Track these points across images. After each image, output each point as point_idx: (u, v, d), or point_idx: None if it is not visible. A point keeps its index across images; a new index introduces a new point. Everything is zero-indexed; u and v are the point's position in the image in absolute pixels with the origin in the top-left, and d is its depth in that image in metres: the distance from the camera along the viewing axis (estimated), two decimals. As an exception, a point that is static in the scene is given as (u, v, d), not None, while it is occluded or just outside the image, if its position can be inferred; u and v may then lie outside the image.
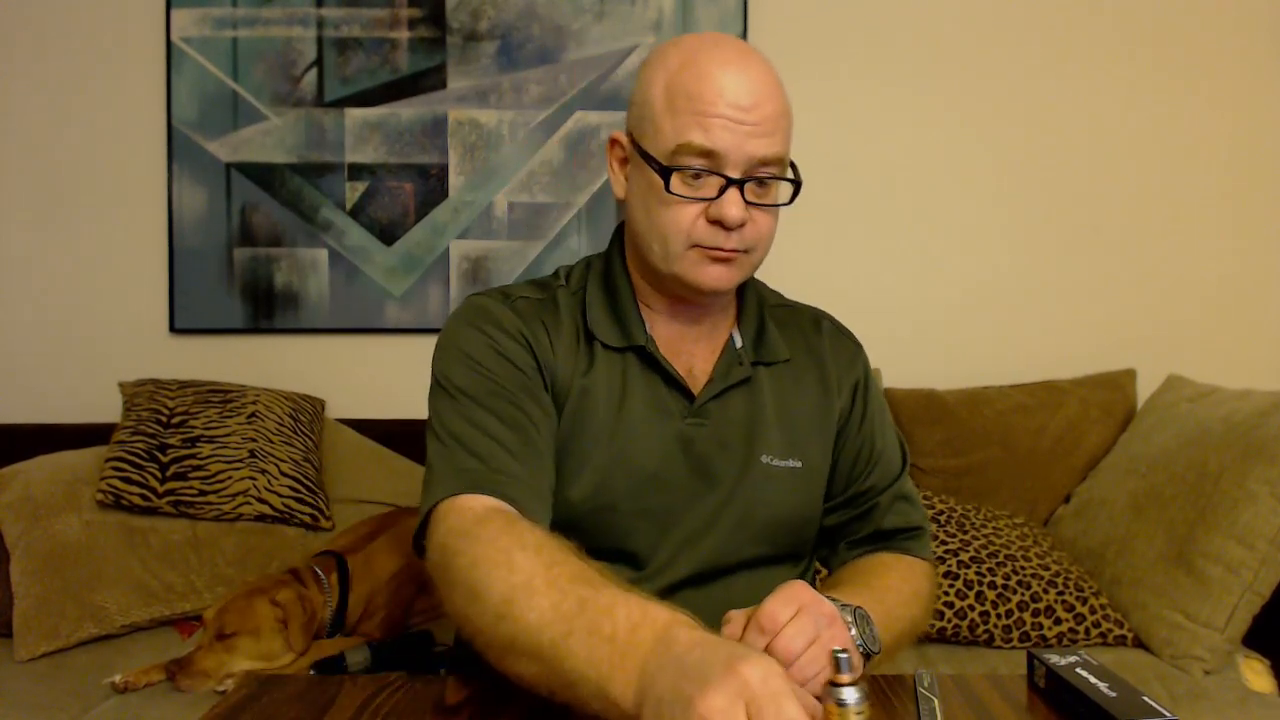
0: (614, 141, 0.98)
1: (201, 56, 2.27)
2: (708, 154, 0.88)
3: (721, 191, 0.88)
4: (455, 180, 2.30)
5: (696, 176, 0.89)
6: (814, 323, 1.09)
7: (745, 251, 0.92)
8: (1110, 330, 2.32)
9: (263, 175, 2.28)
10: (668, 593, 0.96)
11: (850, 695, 0.60)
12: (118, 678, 1.56)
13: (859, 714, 0.60)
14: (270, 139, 2.28)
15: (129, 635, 1.80)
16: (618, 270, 1.01)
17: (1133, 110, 2.30)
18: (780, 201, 0.94)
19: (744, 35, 2.26)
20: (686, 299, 0.98)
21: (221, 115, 2.27)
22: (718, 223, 0.89)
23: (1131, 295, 2.32)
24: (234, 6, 2.26)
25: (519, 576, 0.72)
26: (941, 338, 2.33)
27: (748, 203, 0.89)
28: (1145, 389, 2.16)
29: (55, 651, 1.72)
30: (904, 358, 2.26)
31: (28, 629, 1.71)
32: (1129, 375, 2.20)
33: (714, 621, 0.91)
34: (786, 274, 2.55)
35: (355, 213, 2.29)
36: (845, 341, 1.10)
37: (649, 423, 0.96)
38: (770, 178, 0.90)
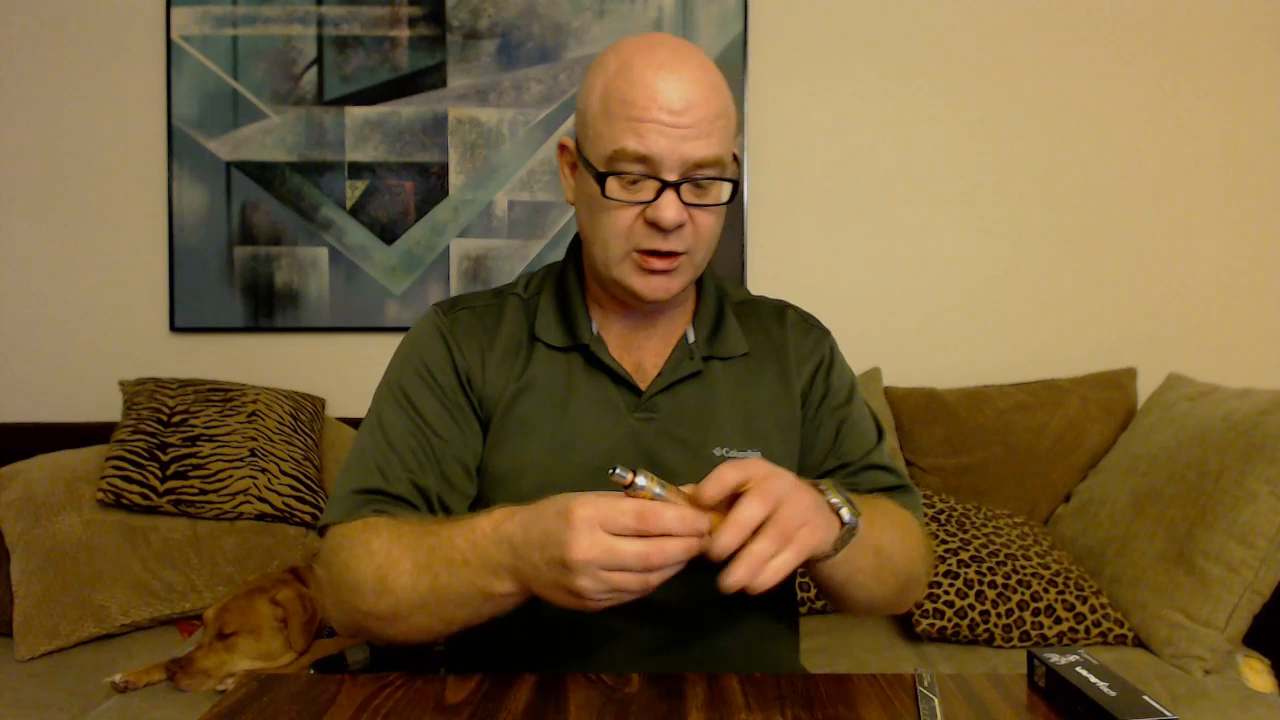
0: (563, 147, 0.99)
1: (202, 55, 2.26)
2: (642, 159, 0.88)
3: (658, 194, 0.89)
4: (455, 179, 2.30)
5: (634, 181, 0.89)
6: (777, 314, 1.08)
7: (686, 253, 0.92)
8: (1110, 329, 2.32)
9: (263, 174, 2.28)
10: None
11: (641, 480, 0.71)
12: (118, 677, 1.56)
13: (659, 485, 0.72)
14: (270, 137, 2.28)
15: (129, 634, 1.80)
16: (570, 273, 1.03)
17: (1132, 110, 2.30)
18: (722, 201, 0.93)
19: (744, 35, 2.25)
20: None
21: (222, 113, 2.27)
22: (655, 225, 0.89)
23: (1131, 295, 2.32)
24: (234, 5, 2.26)
25: (380, 557, 0.84)
26: (941, 337, 2.33)
27: (686, 204, 0.89)
28: (1146, 388, 2.16)
29: (55, 651, 1.72)
30: (904, 357, 2.26)
31: (28, 628, 1.71)
32: (1129, 374, 2.20)
33: (681, 606, 0.93)
34: (787, 274, 2.53)
35: (355, 211, 2.29)
36: (809, 329, 1.09)
37: (596, 420, 0.97)
38: (707, 179, 0.90)
